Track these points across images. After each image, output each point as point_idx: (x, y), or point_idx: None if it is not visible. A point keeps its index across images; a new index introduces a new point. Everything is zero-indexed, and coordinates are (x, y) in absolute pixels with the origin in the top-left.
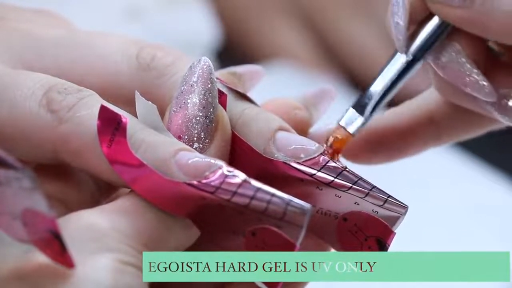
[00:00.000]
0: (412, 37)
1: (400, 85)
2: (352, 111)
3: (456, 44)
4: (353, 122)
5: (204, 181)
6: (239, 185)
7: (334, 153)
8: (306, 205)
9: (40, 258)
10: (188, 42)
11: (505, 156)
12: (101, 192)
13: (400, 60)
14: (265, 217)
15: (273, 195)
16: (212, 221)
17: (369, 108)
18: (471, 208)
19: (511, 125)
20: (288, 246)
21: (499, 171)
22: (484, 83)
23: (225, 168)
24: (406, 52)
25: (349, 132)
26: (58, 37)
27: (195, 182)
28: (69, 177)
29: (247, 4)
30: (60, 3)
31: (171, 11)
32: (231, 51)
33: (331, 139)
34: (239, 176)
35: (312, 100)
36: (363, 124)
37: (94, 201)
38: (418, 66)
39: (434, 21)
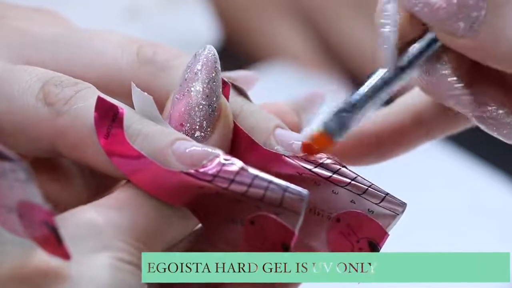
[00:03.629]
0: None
1: (386, 95)
2: (336, 117)
3: (443, 56)
4: (336, 128)
5: (201, 169)
6: (236, 173)
7: (312, 154)
8: (303, 191)
9: (39, 258)
10: (188, 42)
11: (505, 156)
12: (95, 189)
13: (383, 72)
14: (263, 204)
15: (270, 182)
16: (211, 211)
17: (354, 117)
18: (471, 209)
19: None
20: (287, 233)
21: (499, 171)
22: (466, 97)
23: (222, 157)
24: (390, 69)
25: (332, 139)
26: (57, 35)
27: (192, 171)
28: (61, 176)
29: (247, 4)
30: (60, 2)
31: (171, 11)
32: (231, 51)
33: (312, 140)
34: (236, 164)
35: (303, 104)
36: (346, 132)
37: (87, 200)
38: (403, 79)
39: (424, 41)
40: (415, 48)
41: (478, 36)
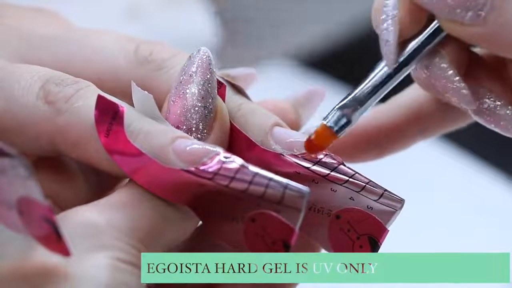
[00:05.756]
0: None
1: (386, 90)
2: (338, 112)
3: (441, 50)
4: (338, 123)
5: (202, 167)
6: (237, 171)
7: (315, 151)
8: (304, 188)
9: (39, 257)
10: (188, 42)
11: (505, 156)
12: (95, 190)
13: (384, 68)
14: (263, 201)
15: (270, 179)
16: (211, 208)
17: (356, 112)
18: (471, 209)
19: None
20: (287, 231)
21: (499, 171)
22: (465, 91)
23: (222, 154)
24: (391, 65)
25: (334, 133)
26: (56, 34)
27: (193, 169)
28: (62, 175)
29: (247, 4)
30: (60, 2)
31: (171, 11)
32: (231, 51)
33: (313, 136)
34: (237, 161)
35: (302, 101)
36: (348, 126)
37: (87, 200)
38: (404, 73)
39: (423, 36)
40: (414, 43)
41: (487, 23)
